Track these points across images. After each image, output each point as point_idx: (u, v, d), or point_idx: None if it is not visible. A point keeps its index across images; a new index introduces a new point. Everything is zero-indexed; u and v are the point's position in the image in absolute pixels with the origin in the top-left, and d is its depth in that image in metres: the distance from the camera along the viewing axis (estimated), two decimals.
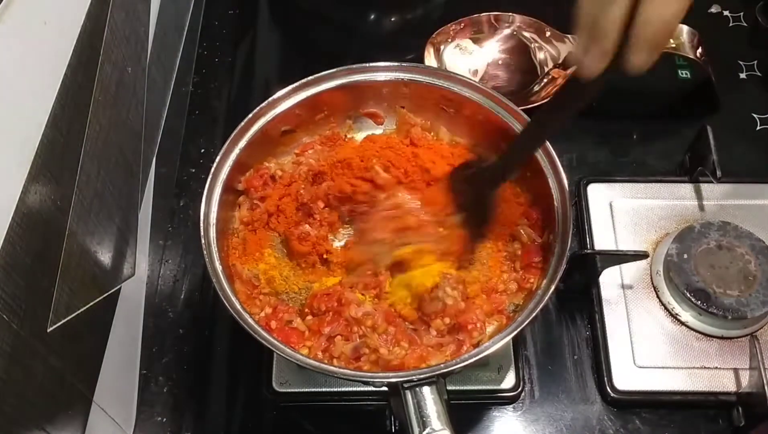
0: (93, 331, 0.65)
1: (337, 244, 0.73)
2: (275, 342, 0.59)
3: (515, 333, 0.59)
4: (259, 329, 0.60)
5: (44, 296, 0.55)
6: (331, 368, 0.60)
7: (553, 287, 0.61)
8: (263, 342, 0.59)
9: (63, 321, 0.57)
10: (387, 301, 0.67)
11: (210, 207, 0.66)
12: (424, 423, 0.55)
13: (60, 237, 0.57)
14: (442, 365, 0.58)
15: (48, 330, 0.55)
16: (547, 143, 0.68)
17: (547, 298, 0.61)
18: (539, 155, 0.68)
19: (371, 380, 0.65)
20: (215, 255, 0.64)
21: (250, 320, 0.60)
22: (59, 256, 0.57)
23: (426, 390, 0.56)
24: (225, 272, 0.64)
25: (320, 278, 0.70)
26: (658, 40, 0.45)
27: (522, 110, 0.70)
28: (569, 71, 0.90)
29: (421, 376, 0.57)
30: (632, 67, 0.47)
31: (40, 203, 0.53)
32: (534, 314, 0.60)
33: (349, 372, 0.61)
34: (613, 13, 0.44)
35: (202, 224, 0.64)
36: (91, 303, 0.63)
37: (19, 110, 0.51)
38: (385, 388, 0.62)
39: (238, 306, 0.61)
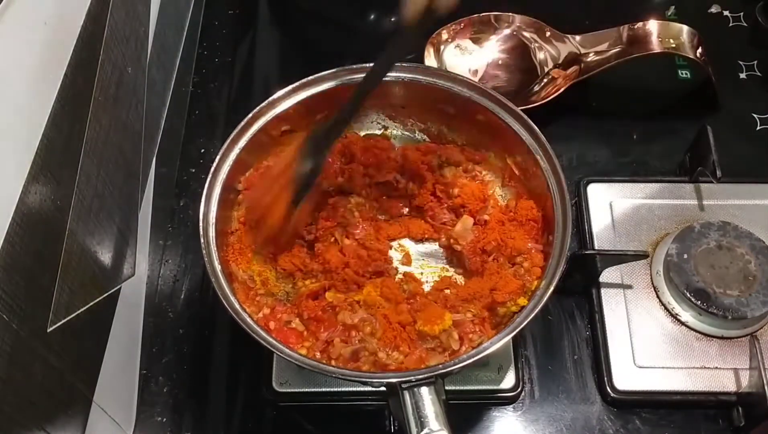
0: (93, 331, 0.65)
1: None
2: (274, 342, 0.59)
3: (515, 333, 0.59)
4: (258, 329, 0.60)
5: (44, 296, 0.55)
6: (330, 368, 0.60)
7: (552, 288, 0.62)
8: (262, 342, 0.59)
9: (63, 321, 0.57)
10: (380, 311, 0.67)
11: (209, 207, 0.66)
12: (422, 424, 0.55)
13: (60, 237, 0.57)
14: (440, 365, 0.58)
15: (48, 330, 0.55)
16: (547, 143, 0.68)
17: (546, 298, 0.61)
18: (539, 154, 0.68)
19: (370, 380, 0.65)
20: (214, 255, 0.64)
21: (249, 320, 0.60)
22: (59, 256, 0.57)
23: (424, 391, 0.56)
24: (224, 271, 0.64)
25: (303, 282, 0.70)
26: None
27: (522, 110, 0.70)
28: (570, 71, 0.91)
29: (420, 377, 0.57)
30: (439, 7, 0.59)
31: (40, 203, 0.53)
32: (533, 315, 0.60)
33: (347, 372, 0.61)
34: None
35: (201, 224, 0.65)
36: (91, 303, 0.63)
37: (19, 109, 0.51)
38: (383, 388, 0.62)
39: (237, 306, 0.61)
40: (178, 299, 0.81)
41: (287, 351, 0.59)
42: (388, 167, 0.75)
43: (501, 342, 0.59)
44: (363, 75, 0.71)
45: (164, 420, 0.74)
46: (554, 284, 0.62)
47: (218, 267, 0.63)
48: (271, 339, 0.60)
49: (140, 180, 0.76)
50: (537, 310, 0.60)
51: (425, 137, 0.79)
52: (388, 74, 0.73)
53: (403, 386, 0.57)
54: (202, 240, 0.64)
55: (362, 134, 0.79)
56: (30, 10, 0.52)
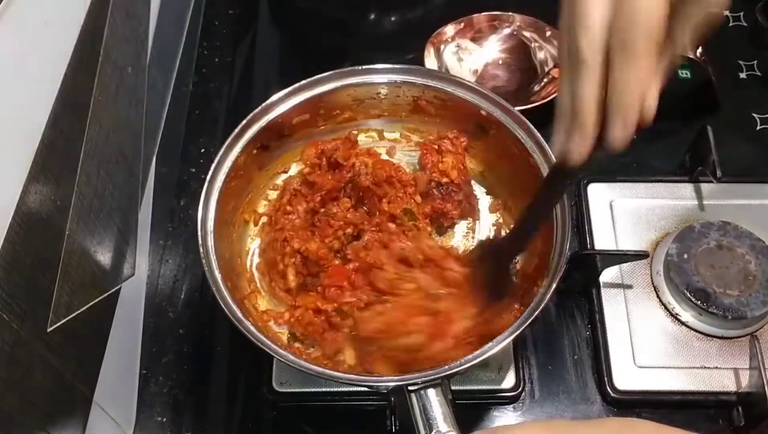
0: (93, 331, 0.65)
1: None
2: (276, 348, 0.59)
3: (516, 333, 0.59)
4: (259, 334, 0.60)
5: (44, 296, 0.55)
6: (336, 374, 0.60)
7: (553, 288, 0.61)
8: (264, 347, 0.59)
9: (63, 321, 0.57)
10: None
11: (207, 213, 0.65)
12: (430, 426, 0.55)
13: (60, 237, 0.57)
14: (446, 367, 0.58)
15: (48, 330, 0.55)
16: (546, 144, 0.68)
17: (547, 298, 0.61)
18: (539, 155, 0.68)
19: (376, 384, 0.64)
20: (213, 263, 0.63)
21: (250, 326, 0.60)
22: (59, 256, 0.57)
23: (431, 392, 0.56)
24: (223, 277, 0.63)
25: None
26: (632, 111, 0.45)
27: (522, 109, 0.70)
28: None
29: (426, 379, 0.57)
30: (614, 143, 0.46)
31: (40, 203, 0.53)
32: (534, 315, 0.60)
33: (353, 376, 0.61)
34: (587, 91, 0.43)
35: (200, 232, 0.64)
36: (91, 303, 0.63)
37: (19, 110, 0.51)
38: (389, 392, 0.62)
39: (239, 314, 0.61)
40: (178, 299, 0.81)
41: (289, 356, 0.59)
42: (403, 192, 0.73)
43: (503, 342, 0.59)
44: (363, 77, 0.71)
45: (164, 420, 0.74)
46: (555, 284, 0.62)
47: (218, 276, 0.63)
48: (272, 344, 0.59)
49: (140, 180, 0.76)
50: (537, 310, 0.60)
51: (420, 138, 0.79)
52: (382, 77, 0.73)
53: (410, 388, 0.56)
54: (201, 249, 0.63)
55: (362, 135, 0.78)
56: (30, 10, 0.52)
